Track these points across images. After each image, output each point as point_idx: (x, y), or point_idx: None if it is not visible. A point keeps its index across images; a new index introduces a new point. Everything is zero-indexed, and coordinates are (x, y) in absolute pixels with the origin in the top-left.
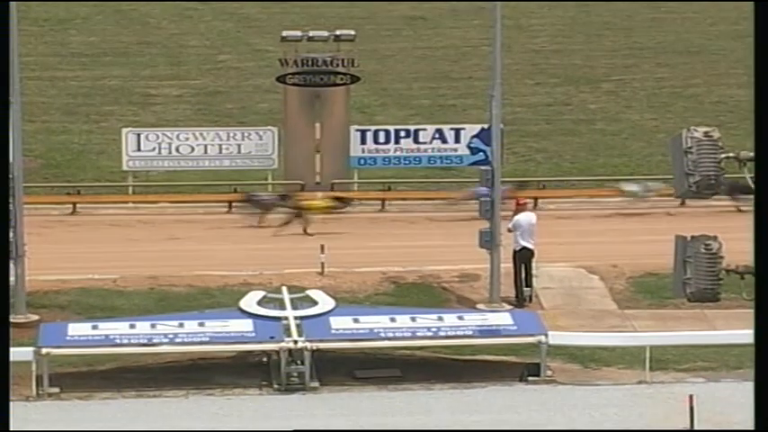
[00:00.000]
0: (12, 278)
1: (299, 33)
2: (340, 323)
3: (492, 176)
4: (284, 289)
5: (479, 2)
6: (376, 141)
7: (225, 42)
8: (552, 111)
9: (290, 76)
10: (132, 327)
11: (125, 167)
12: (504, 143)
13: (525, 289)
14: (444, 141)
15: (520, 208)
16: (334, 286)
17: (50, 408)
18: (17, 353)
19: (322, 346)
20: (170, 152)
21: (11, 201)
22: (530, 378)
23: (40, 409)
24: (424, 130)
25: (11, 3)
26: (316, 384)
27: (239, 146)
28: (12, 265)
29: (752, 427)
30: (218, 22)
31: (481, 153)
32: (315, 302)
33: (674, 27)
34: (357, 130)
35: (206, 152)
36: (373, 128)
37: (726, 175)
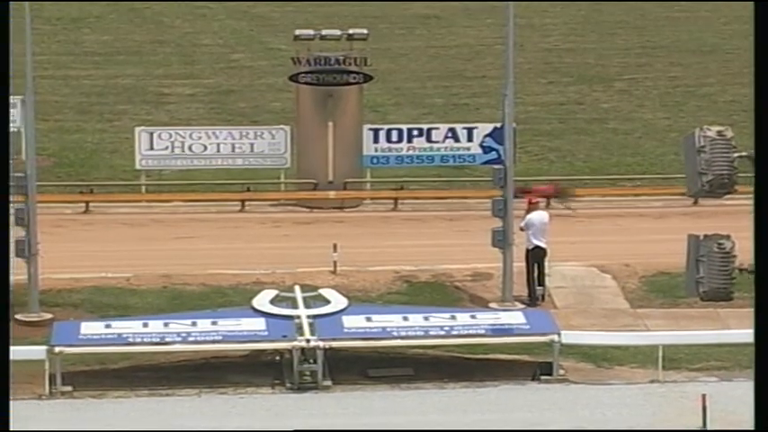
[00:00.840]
0: (25, 277)
1: (311, 32)
2: (352, 322)
3: (505, 175)
4: (297, 288)
5: (492, 1)
6: (389, 140)
7: (238, 41)
8: (565, 110)
9: (303, 74)
10: (145, 325)
11: (138, 166)
12: (517, 142)
13: (538, 288)
14: (457, 140)
15: (532, 207)
16: (347, 285)
17: (63, 406)
18: (30, 351)
19: (334, 344)
20: (183, 151)
21: (24, 199)
22: (542, 377)
23: (52, 408)
24: (437, 128)
25: (25, 3)
26: (328, 383)
27: (252, 145)
28: (25, 264)
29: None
30: (231, 20)
31: (494, 152)
32: (327, 301)
33: (688, 26)
34: (370, 129)
35: (219, 151)
36: (386, 127)
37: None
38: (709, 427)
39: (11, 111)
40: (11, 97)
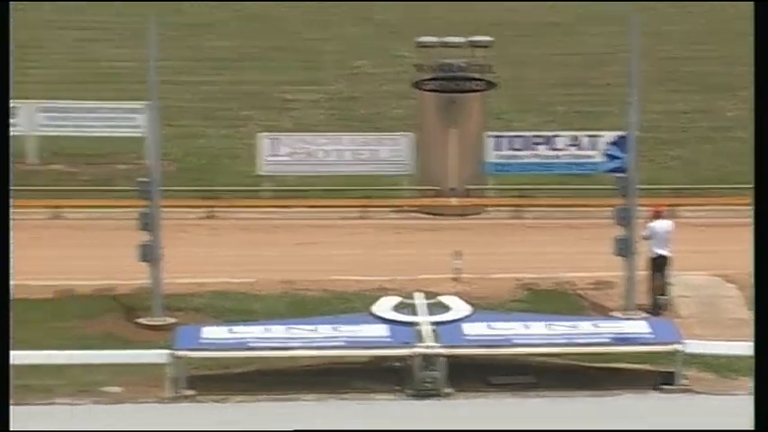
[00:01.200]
0: (149, 281)
1: (435, 39)
2: (474, 329)
3: (628, 184)
4: (418, 294)
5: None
6: (511, 147)
7: (361, 47)
8: (688, 118)
9: (426, 81)
10: (267, 330)
11: (261, 172)
12: (640, 150)
13: (661, 297)
14: (580, 148)
15: (656, 215)
16: (468, 292)
17: (186, 410)
18: (153, 355)
19: (456, 352)
20: (305, 157)
21: (149, 204)
22: (665, 387)
23: (175, 411)
24: (560, 136)
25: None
26: (450, 390)
27: (374, 151)
28: (149, 268)
29: None
30: (354, 27)
31: (617, 160)
32: (449, 308)
33: None
34: (492, 136)
35: (341, 157)
36: (509, 134)
37: None
38: None
39: (136, 116)
40: (137, 103)
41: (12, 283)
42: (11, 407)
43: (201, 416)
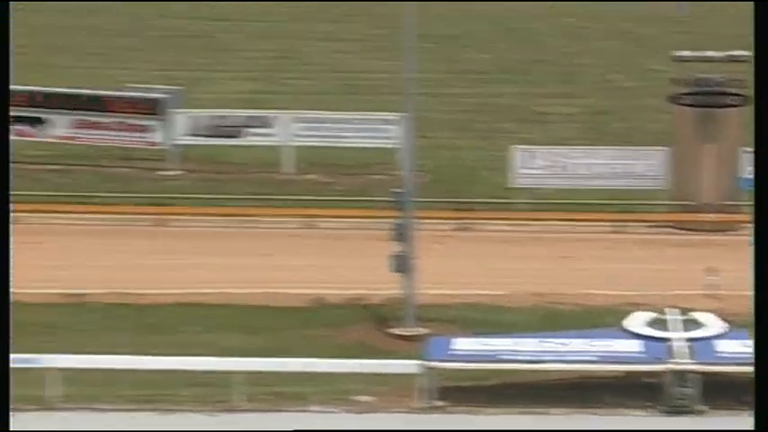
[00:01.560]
0: (401, 291)
1: (691, 53)
2: (728, 346)
3: None
4: (671, 310)
5: None
6: None
7: (615, 61)
8: None
9: (683, 96)
10: (518, 343)
11: (515, 184)
12: None
13: None
14: None
15: None
16: (722, 309)
17: (437, 421)
18: (405, 365)
19: (709, 369)
20: (560, 170)
21: (402, 215)
22: None
23: (427, 422)
24: None
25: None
26: (703, 408)
27: (629, 165)
28: (401, 279)
29: None
30: (609, 41)
31: None
32: (703, 325)
33: None
34: (749, 152)
35: (595, 171)
36: None
37: None
38: None
39: (390, 127)
40: (391, 114)
41: (267, 291)
42: (266, 413)
43: (452, 427)
